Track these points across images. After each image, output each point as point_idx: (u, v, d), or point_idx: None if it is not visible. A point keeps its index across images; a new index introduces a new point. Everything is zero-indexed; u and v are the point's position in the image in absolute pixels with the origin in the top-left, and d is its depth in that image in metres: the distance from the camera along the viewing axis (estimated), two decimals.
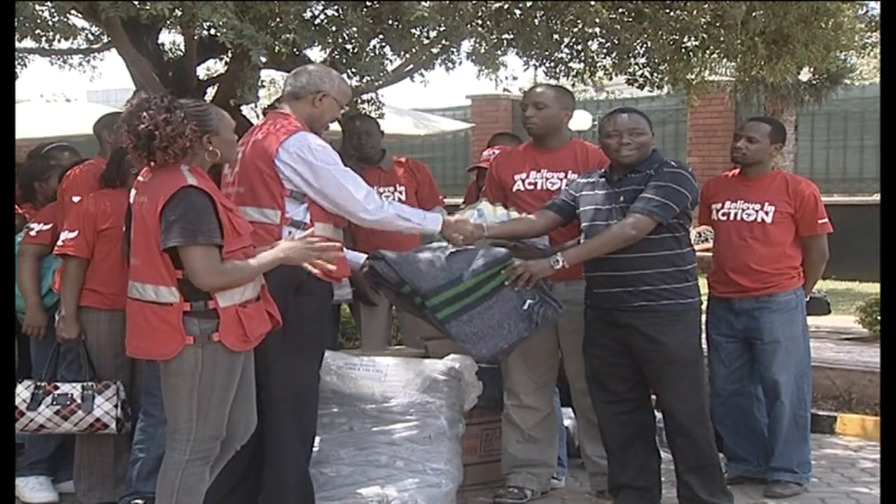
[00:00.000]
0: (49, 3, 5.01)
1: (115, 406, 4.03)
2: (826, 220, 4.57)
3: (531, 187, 4.26)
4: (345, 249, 4.03)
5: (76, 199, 4.23)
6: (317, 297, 3.69)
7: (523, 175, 4.28)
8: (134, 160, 3.33)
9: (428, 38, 5.71)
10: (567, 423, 4.82)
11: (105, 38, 6.38)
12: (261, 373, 3.48)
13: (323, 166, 3.66)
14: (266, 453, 3.69)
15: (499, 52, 5.84)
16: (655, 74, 6.44)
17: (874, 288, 7.81)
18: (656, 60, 6.30)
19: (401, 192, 5.05)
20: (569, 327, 4.23)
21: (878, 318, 6.92)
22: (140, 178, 3.44)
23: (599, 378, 4.13)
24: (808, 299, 4.69)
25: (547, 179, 4.26)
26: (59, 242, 4.11)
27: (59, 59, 6.65)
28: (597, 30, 6.06)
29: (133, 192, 3.82)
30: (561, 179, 4.23)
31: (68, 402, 4.00)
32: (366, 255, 4.01)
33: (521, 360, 4.34)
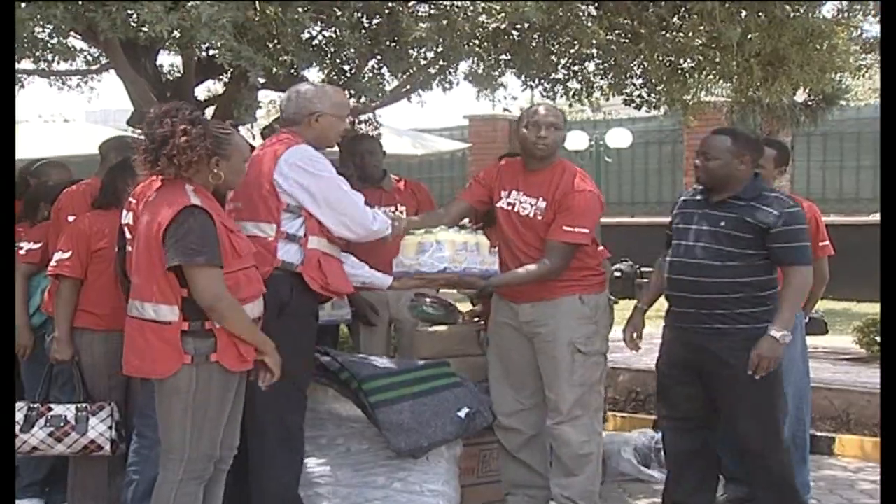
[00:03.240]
0: (48, 25, 5.01)
1: (110, 427, 3.99)
2: (827, 242, 4.57)
3: (509, 207, 4.16)
4: (367, 269, 4.01)
5: (71, 218, 4.21)
6: (301, 318, 3.66)
7: (506, 192, 4.19)
8: (139, 164, 3.32)
9: (425, 58, 5.71)
10: None
11: (104, 60, 6.38)
12: (246, 396, 3.45)
13: (326, 175, 3.65)
14: (252, 477, 3.65)
15: (497, 73, 5.84)
16: (652, 95, 6.44)
17: (872, 308, 7.81)
18: (653, 81, 6.30)
19: (401, 212, 5.03)
20: (543, 348, 4.13)
21: (876, 338, 6.89)
22: (133, 199, 3.43)
23: (665, 394, 4.12)
24: (806, 320, 4.67)
25: (520, 203, 4.14)
26: (53, 262, 4.08)
27: (57, 80, 6.65)
28: (594, 51, 6.06)
29: (125, 212, 3.82)
30: (532, 206, 4.09)
31: (62, 424, 3.96)
32: (391, 277, 4.01)
33: (503, 379, 4.27)
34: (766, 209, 3.85)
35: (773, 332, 3.79)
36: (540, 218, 4.05)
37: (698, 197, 4.06)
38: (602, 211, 4.16)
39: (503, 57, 5.94)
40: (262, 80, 4.65)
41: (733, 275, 3.86)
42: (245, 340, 3.22)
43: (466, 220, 4.43)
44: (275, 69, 4.56)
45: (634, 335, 4.20)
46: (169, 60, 6.58)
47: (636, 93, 6.46)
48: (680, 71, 6.16)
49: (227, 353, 3.18)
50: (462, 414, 4.16)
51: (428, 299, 4.59)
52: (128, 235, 3.81)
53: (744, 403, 3.89)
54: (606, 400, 6.13)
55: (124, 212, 3.86)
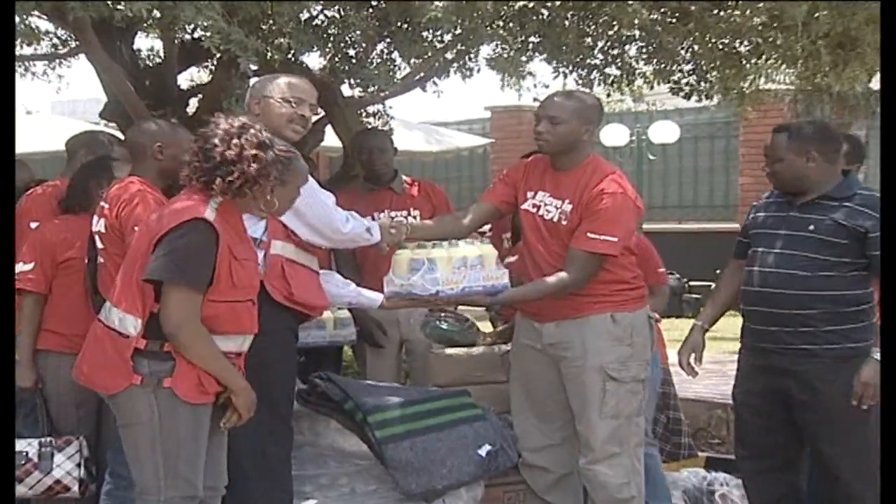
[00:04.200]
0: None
1: (78, 465, 3.99)
2: None
3: (533, 210, 4.11)
4: (353, 287, 4.01)
5: (34, 225, 4.23)
6: (276, 337, 3.64)
7: (532, 193, 4.14)
8: (183, 178, 3.34)
9: (442, 41, 5.72)
10: None
11: (73, 43, 6.43)
12: None
13: None
14: None
15: (524, 59, 5.84)
16: (703, 83, 6.43)
17: None
18: (704, 67, 6.29)
19: (415, 217, 5.02)
20: (570, 374, 4.09)
21: None
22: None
23: (743, 429, 4.11)
24: None
25: (545, 206, 4.08)
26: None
27: (20, 65, 6.70)
28: (636, 32, 6.06)
29: (96, 218, 3.83)
30: (557, 209, 4.03)
31: (23, 462, 3.94)
32: (382, 295, 3.99)
33: (528, 410, 4.23)
34: (864, 210, 3.84)
35: (876, 356, 3.77)
36: (565, 223, 4.02)
37: (781, 199, 4.04)
38: (638, 217, 4.12)
39: (531, 39, 5.95)
40: (254, 67, 4.67)
41: (824, 286, 3.85)
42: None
43: (487, 227, 4.41)
44: (269, 54, 4.58)
45: (693, 358, 4.17)
46: (148, 44, 6.64)
47: (685, 80, 6.45)
48: (735, 55, 6.15)
49: (183, 381, 3.20)
50: (483, 451, 4.15)
51: (442, 314, 4.58)
52: (99, 245, 3.82)
53: (839, 437, 3.88)
54: (696, 436, 6.09)
55: (95, 218, 3.87)
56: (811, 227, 3.90)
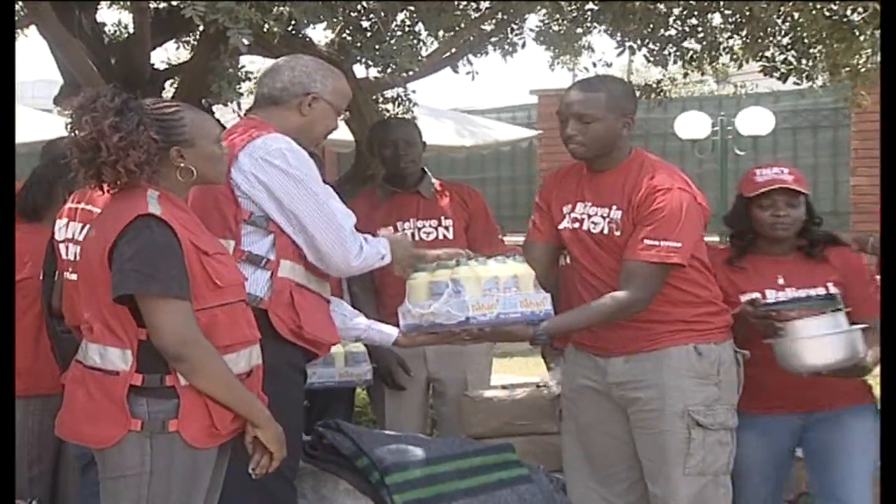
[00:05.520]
0: None
1: None
2: None
3: (575, 226, 4.12)
4: (362, 319, 4.05)
5: None
6: (279, 375, 3.66)
7: (569, 207, 4.15)
8: (82, 180, 3.40)
9: (478, 10, 5.75)
10: None
11: (20, 13, 6.51)
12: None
13: (300, 175, 3.64)
14: None
15: (579, 30, 5.87)
16: (804, 60, 6.43)
17: None
18: (805, 40, 6.29)
19: (447, 228, 5.06)
20: (643, 421, 4.07)
21: None
22: (86, 204, 3.46)
23: None
24: None
25: (589, 217, 4.09)
26: None
27: None
28: None
29: (64, 222, 3.88)
30: (604, 218, 4.04)
31: None
32: (398, 330, 4.02)
33: (584, 467, 4.23)
34: None
35: None
36: (618, 233, 4.02)
37: None
38: (705, 218, 4.07)
39: (589, 6, 5.97)
40: (247, 42, 4.71)
41: None
42: (222, 404, 3.27)
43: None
44: (267, 26, 4.60)
45: None
46: (114, 16, 6.70)
47: (781, 56, 6.45)
48: (846, 24, 6.15)
49: (192, 421, 3.20)
50: None
51: None
52: (77, 258, 3.87)
53: None
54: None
55: (67, 223, 3.93)
56: None
